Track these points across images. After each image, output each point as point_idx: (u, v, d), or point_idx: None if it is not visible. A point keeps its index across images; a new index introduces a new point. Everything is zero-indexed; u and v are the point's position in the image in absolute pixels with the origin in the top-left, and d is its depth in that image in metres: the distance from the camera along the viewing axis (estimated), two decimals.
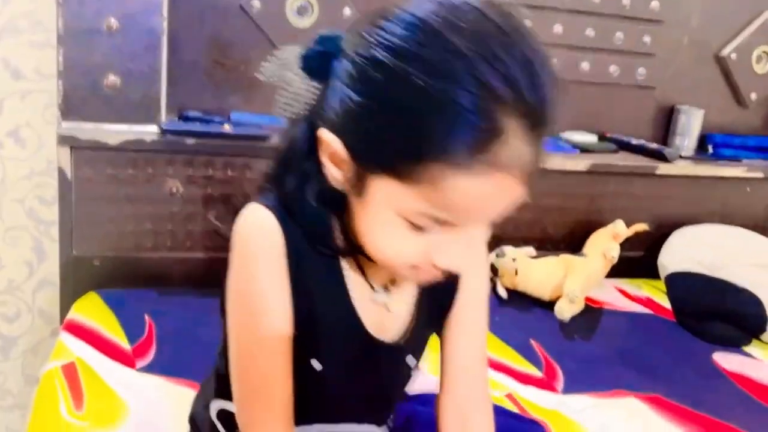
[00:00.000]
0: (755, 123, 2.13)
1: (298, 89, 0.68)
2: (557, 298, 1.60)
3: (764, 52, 2.04)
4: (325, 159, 0.64)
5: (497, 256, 1.66)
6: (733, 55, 2.01)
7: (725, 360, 1.53)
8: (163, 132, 1.44)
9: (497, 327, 1.53)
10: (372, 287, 0.72)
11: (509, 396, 1.28)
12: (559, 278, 1.63)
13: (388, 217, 0.61)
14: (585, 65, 1.88)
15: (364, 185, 0.62)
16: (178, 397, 1.13)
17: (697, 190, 1.95)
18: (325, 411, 0.76)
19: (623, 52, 1.91)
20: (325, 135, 0.62)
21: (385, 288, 0.73)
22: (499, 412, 0.99)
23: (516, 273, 1.64)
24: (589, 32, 1.86)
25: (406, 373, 0.80)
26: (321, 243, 0.68)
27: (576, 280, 1.60)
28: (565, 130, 1.91)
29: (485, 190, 0.58)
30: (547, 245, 1.84)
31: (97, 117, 1.40)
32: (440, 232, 0.61)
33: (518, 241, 1.78)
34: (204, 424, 0.83)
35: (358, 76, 0.60)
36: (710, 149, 2.03)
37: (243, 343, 0.69)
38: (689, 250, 1.78)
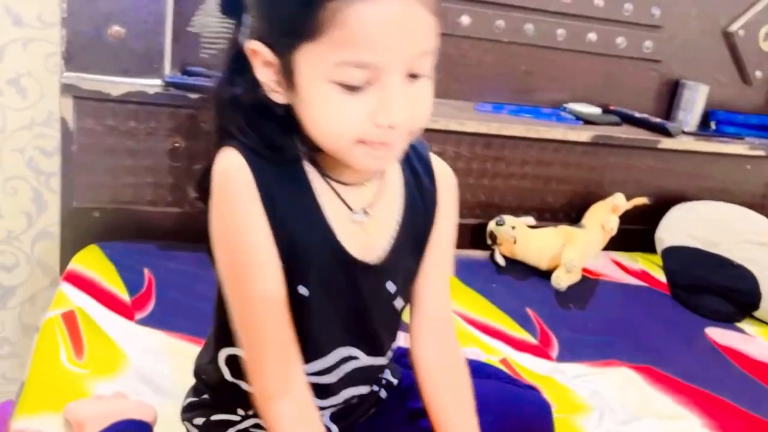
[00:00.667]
0: (759, 101, 2.12)
1: (217, 30, 0.72)
2: (554, 268, 1.61)
3: None
4: (259, 71, 0.68)
5: (497, 224, 1.67)
6: (741, 32, 1.99)
7: (718, 334, 1.55)
8: (167, 85, 1.42)
9: (494, 294, 1.55)
10: (351, 209, 0.74)
11: (503, 361, 1.29)
12: (557, 248, 1.64)
13: (321, 89, 0.64)
14: (592, 36, 1.86)
15: (292, 72, 0.65)
16: (176, 351, 1.14)
17: (698, 165, 1.95)
18: (313, 342, 0.77)
19: (631, 23, 1.89)
20: (250, 44, 0.67)
21: (365, 212, 0.75)
22: (496, 375, 1.01)
23: (515, 241, 1.65)
24: (598, 2, 1.83)
25: (387, 301, 0.80)
26: (284, 152, 0.71)
27: (574, 250, 1.61)
28: (569, 101, 1.91)
29: (387, 14, 0.61)
30: (546, 215, 1.85)
31: (99, 68, 1.38)
32: (374, 91, 0.64)
33: (518, 210, 1.78)
34: (210, 375, 0.84)
35: None
36: (713, 125, 2.03)
37: (235, 283, 0.72)
38: (687, 225, 1.79)
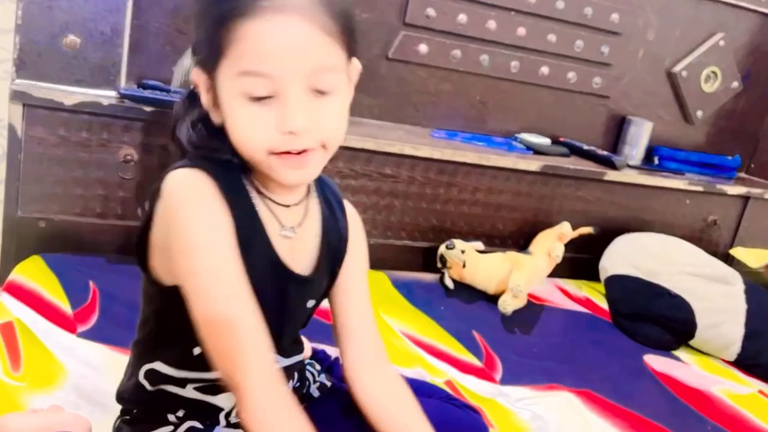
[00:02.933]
0: (700, 139, 2.22)
1: (187, 66, 0.82)
2: (501, 292, 1.65)
3: (713, 72, 2.13)
4: (202, 96, 0.76)
5: (447, 247, 1.70)
6: (684, 73, 2.09)
7: (655, 361, 1.60)
8: (122, 97, 1.41)
9: (442, 316, 1.57)
10: (282, 225, 0.80)
11: (448, 383, 1.31)
12: (505, 273, 1.67)
13: (234, 102, 0.72)
14: (544, 69, 1.93)
15: (216, 90, 0.74)
16: (117, 365, 1.11)
17: (641, 198, 2.03)
18: None
19: (581, 60, 1.97)
20: (194, 72, 0.76)
21: (292, 229, 0.81)
22: (437, 394, 1.02)
23: (464, 265, 1.68)
24: (551, 38, 1.90)
25: (304, 314, 0.88)
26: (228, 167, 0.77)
27: (521, 275, 1.65)
28: (521, 132, 1.96)
29: (275, 31, 0.69)
30: (495, 240, 1.89)
31: (52, 76, 1.37)
32: (277, 103, 0.71)
33: (468, 235, 1.82)
34: (132, 392, 0.85)
35: None
36: (656, 160, 2.12)
37: (203, 286, 0.72)
38: (629, 256, 1.85)
